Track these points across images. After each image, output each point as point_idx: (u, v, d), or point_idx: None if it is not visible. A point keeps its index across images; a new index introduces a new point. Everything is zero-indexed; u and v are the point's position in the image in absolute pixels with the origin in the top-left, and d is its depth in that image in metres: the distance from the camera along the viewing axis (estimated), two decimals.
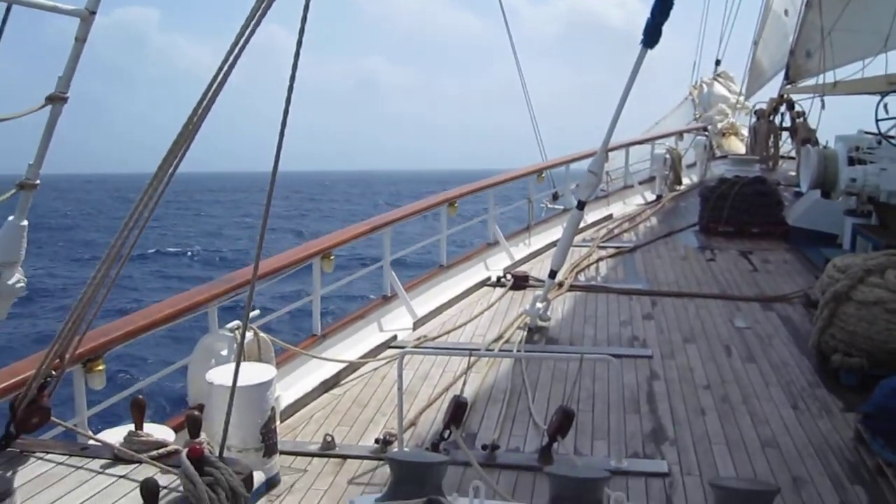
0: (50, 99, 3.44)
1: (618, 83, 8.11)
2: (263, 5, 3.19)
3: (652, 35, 7.54)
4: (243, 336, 3.98)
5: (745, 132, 20.76)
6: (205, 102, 3.28)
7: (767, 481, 4.98)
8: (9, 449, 3.35)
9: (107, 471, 3.23)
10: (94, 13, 3.37)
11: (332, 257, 7.35)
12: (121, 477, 3.17)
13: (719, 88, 22.21)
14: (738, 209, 12.78)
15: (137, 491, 2.76)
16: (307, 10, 3.12)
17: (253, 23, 3.21)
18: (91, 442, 3.56)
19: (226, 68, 3.25)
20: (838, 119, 15.11)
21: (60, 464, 3.27)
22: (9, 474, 3.13)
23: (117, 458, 3.30)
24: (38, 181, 3.54)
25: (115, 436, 3.67)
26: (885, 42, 12.91)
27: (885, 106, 10.45)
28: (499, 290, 9.69)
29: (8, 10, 3.41)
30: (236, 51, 3.24)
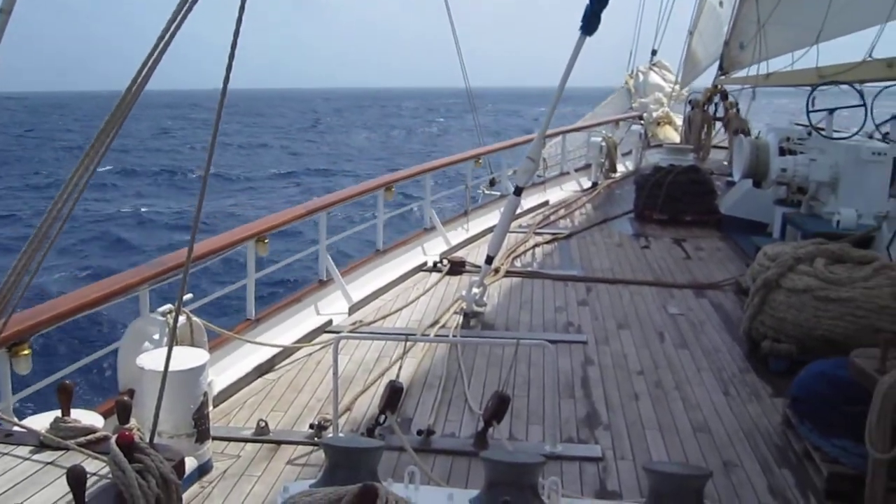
0: None
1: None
2: None
3: (590, 22, 7.57)
4: (176, 320, 3.90)
5: (679, 121, 21.04)
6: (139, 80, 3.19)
7: (699, 465, 5.06)
8: None
9: (32, 458, 3.13)
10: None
11: (266, 241, 7.26)
12: (47, 464, 3.08)
13: (655, 77, 22.46)
14: (672, 197, 12.95)
15: (64, 478, 2.68)
16: None
17: None
18: (16, 428, 3.46)
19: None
20: (770, 110, 15.39)
21: None
22: None
23: (43, 444, 3.20)
24: None
25: (41, 422, 3.56)
26: (817, 36, 13.19)
27: (813, 99, 10.69)
28: (435, 276, 9.68)
29: None
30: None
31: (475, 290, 8.27)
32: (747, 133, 15.24)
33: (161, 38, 3.17)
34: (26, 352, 4.61)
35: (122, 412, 3.31)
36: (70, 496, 2.64)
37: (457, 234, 11.63)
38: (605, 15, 7.51)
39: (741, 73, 17.43)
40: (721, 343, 7.53)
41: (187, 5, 3.16)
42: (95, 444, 3.19)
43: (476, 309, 8.25)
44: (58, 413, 3.38)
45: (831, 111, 10.76)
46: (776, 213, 11.10)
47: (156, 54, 3.19)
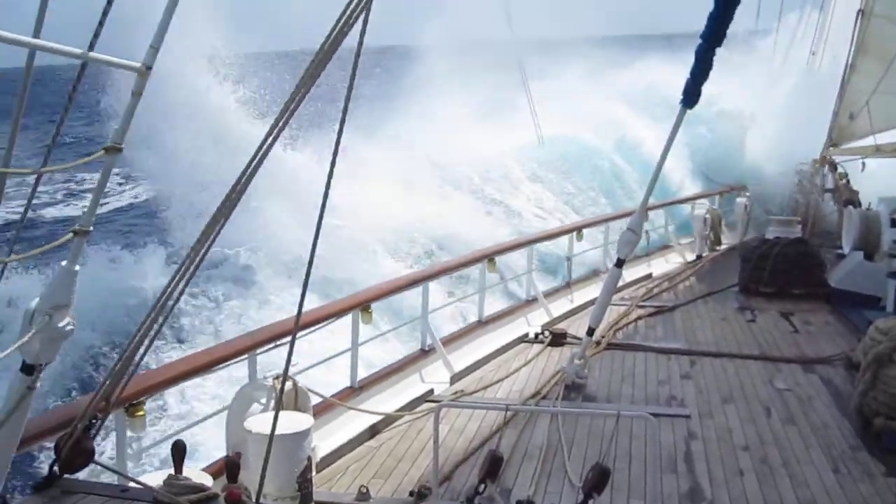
0: (106, 149, 3.57)
1: None
2: None
3: (692, 96, 7.62)
4: (282, 386, 4.04)
5: None
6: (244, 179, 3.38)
7: None
8: (52, 489, 3.41)
9: None
10: (150, 68, 3.51)
11: (370, 310, 7.42)
12: None
13: None
14: (779, 270, 12.65)
15: None
16: None
17: None
18: (132, 484, 3.62)
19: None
20: (881, 182, 14.99)
21: None
22: None
23: (157, 500, 3.35)
24: (91, 228, 3.65)
25: (155, 479, 3.73)
26: None
27: None
28: (536, 347, 9.67)
29: (83, 66, 3.58)
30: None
31: (577, 361, 8.24)
32: (857, 204, 14.86)
33: None
34: (142, 412, 4.82)
35: (231, 471, 3.44)
36: None
37: (558, 306, 11.61)
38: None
39: (851, 144, 17.08)
40: (830, 419, 7.28)
41: None
42: (206, 502, 3.31)
43: (577, 381, 8.21)
44: (171, 471, 3.53)
45: None
46: (889, 286, 10.74)
47: None
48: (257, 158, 3.45)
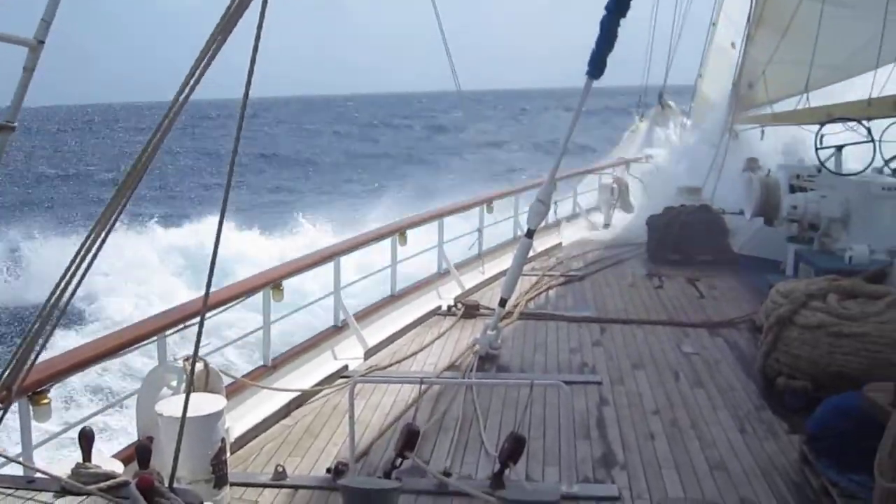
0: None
1: None
2: None
3: (596, 66, 7.69)
4: (193, 367, 3.95)
5: None
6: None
7: (715, 502, 5.06)
8: None
9: (55, 503, 3.18)
10: (42, 42, 3.37)
11: (282, 288, 7.34)
12: None
13: (664, 119, 22.63)
14: (685, 237, 12.98)
15: None
16: None
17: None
18: (38, 475, 3.50)
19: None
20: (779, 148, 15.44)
21: (8, 496, 3.22)
22: None
23: (65, 490, 3.25)
24: None
25: (62, 468, 3.61)
26: (806, 84, 13.27)
27: (822, 137, 10.76)
28: (450, 319, 9.72)
29: None
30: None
31: (489, 332, 8.31)
32: (756, 171, 15.29)
33: (206, 49, 3.26)
34: (46, 400, 4.68)
35: (143, 457, 3.36)
36: None
37: (470, 278, 11.68)
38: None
39: (749, 112, 17.53)
40: (736, 381, 7.52)
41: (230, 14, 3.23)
42: (116, 490, 3.22)
43: (491, 351, 8.29)
44: (79, 459, 3.43)
45: (839, 148, 10.82)
46: (788, 251, 11.11)
47: (202, 65, 3.28)
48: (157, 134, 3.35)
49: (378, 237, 9.88)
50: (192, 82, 3.28)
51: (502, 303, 8.56)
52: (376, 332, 9.00)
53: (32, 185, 52.24)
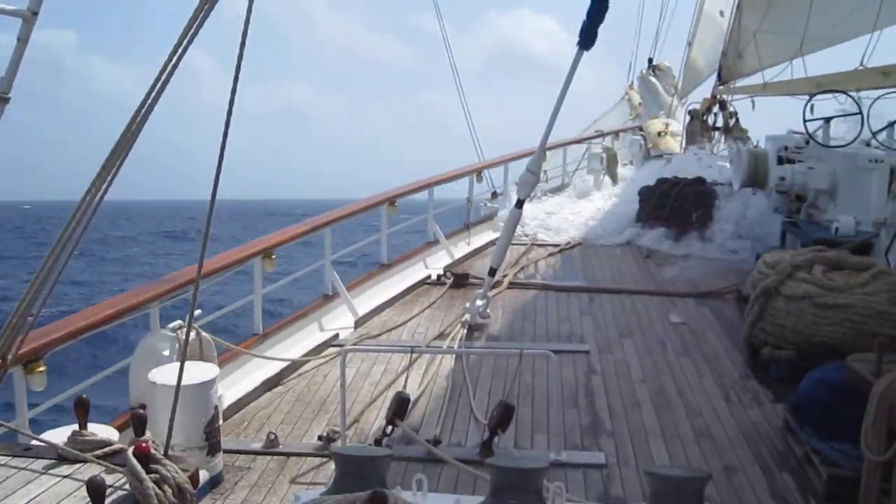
0: None
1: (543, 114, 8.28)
2: (192, 31, 3.22)
3: (588, 37, 7.69)
4: (187, 335, 4.00)
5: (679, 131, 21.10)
6: (133, 127, 3.28)
7: (700, 468, 5.15)
8: None
9: (51, 471, 3.22)
10: (36, 14, 3.38)
11: (273, 256, 7.37)
12: (65, 477, 3.17)
13: (655, 86, 22.53)
14: (679, 209, 12.99)
15: (83, 490, 2.76)
16: (244, 44, 3.16)
17: (182, 47, 3.24)
18: (34, 442, 3.55)
19: (154, 94, 3.25)
20: (770, 119, 15.51)
21: (3, 465, 3.26)
22: None
23: (62, 458, 3.30)
24: None
25: (58, 436, 3.66)
26: (800, 48, 13.27)
27: (812, 107, 10.79)
28: (439, 289, 9.78)
29: None
30: (164, 76, 3.25)
31: (479, 302, 8.37)
32: (746, 142, 15.34)
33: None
34: (41, 369, 4.72)
35: (138, 425, 3.40)
36: None
37: (459, 248, 11.74)
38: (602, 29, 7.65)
39: (740, 83, 17.54)
40: (722, 350, 7.62)
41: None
42: (112, 457, 3.28)
43: (480, 321, 8.36)
44: (75, 427, 3.47)
45: (828, 119, 10.87)
46: (775, 222, 11.19)
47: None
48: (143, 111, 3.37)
49: (368, 206, 9.90)
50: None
51: (492, 272, 8.60)
52: (366, 301, 9.06)
53: None
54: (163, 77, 3.26)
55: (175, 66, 3.26)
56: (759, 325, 7.13)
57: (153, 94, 3.26)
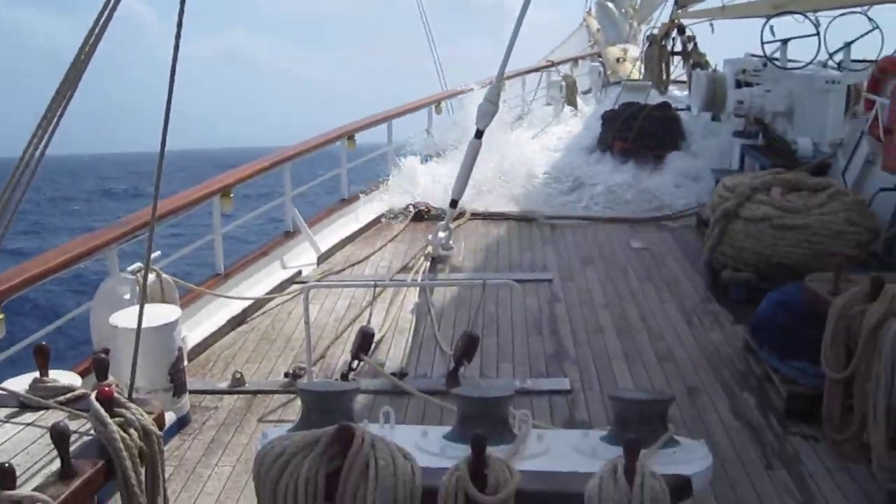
0: None
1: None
2: None
3: None
4: (145, 277, 3.94)
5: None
6: (71, 77, 3.16)
7: (663, 391, 5.24)
8: None
9: (13, 420, 3.18)
10: None
11: (231, 195, 7.28)
12: (28, 424, 3.13)
13: (612, 12, 22.32)
14: (646, 132, 12.90)
15: (48, 437, 2.74)
16: None
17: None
18: None
19: (89, 46, 3.13)
20: (728, 43, 15.44)
21: None
22: None
23: (24, 405, 3.26)
24: None
25: (19, 384, 3.61)
26: None
27: (772, 28, 10.75)
28: (401, 223, 9.75)
29: None
30: (99, 26, 3.12)
31: (441, 234, 8.36)
32: (705, 67, 15.30)
33: None
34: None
35: (100, 369, 3.36)
36: (54, 454, 2.71)
37: (420, 183, 11.64)
38: None
39: (697, 7, 17.41)
40: (683, 274, 7.70)
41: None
42: (75, 402, 3.24)
43: (443, 253, 8.36)
44: (36, 374, 3.43)
45: (785, 41, 10.85)
46: (735, 145, 11.23)
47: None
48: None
49: (327, 141, 9.78)
50: None
51: (453, 204, 8.57)
52: (328, 237, 9.01)
53: None
54: (98, 27, 3.13)
55: (110, 16, 3.14)
56: (718, 248, 7.21)
57: (90, 42, 3.14)
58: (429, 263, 8.12)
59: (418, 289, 7.23)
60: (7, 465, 2.35)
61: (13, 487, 2.35)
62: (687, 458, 3.26)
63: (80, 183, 57.68)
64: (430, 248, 8.34)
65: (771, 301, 5.66)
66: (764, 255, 6.81)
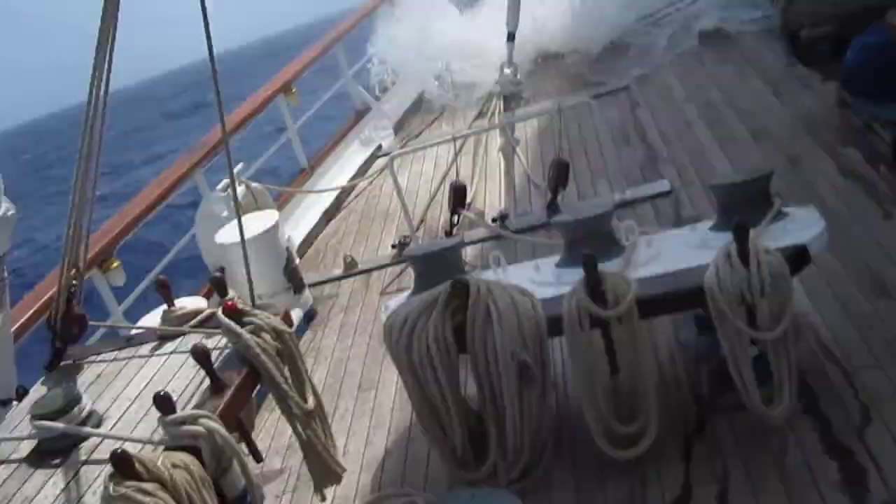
0: None
1: None
2: None
3: None
4: (234, 190, 4.03)
5: None
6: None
7: (761, 169, 5.14)
8: (63, 363, 3.49)
9: (157, 352, 3.37)
10: None
11: (293, 90, 7.30)
12: (171, 353, 3.31)
13: None
14: None
15: (191, 360, 2.88)
16: None
17: None
18: (134, 331, 3.70)
19: None
20: None
21: (113, 360, 3.42)
22: (72, 383, 3.27)
23: (162, 337, 3.44)
24: None
25: (153, 320, 3.82)
26: None
27: None
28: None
29: None
30: None
31: (507, 70, 8.20)
32: None
33: None
34: (116, 264, 4.87)
35: (220, 287, 3.50)
36: (202, 373, 2.87)
37: None
38: None
39: None
40: (761, 46, 7.37)
41: None
42: (206, 323, 3.41)
43: (513, 89, 8.21)
44: (164, 307, 3.60)
45: None
46: None
47: None
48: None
49: (366, 14, 9.57)
50: None
51: (510, 37, 8.36)
52: (398, 106, 8.98)
53: None
54: None
55: None
56: (792, 8, 6.86)
57: None
58: (502, 103, 8.02)
59: (498, 131, 7.17)
60: (163, 392, 2.51)
61: (174, 411, 2.51)
62: (799, 226, 3.23)
63: (137, 113, 55.93)
64: (500, 88, 8.21)
65: (857, 47, 5.38)
66: (841, 3, 6.43)
